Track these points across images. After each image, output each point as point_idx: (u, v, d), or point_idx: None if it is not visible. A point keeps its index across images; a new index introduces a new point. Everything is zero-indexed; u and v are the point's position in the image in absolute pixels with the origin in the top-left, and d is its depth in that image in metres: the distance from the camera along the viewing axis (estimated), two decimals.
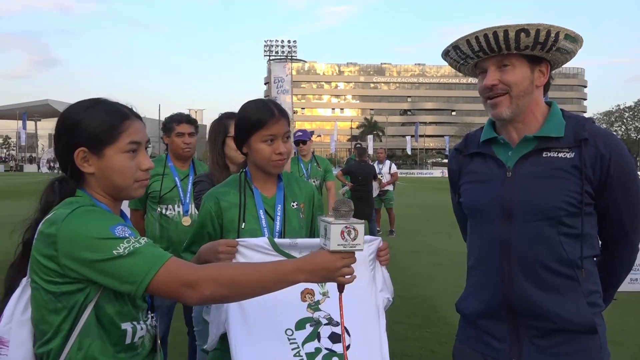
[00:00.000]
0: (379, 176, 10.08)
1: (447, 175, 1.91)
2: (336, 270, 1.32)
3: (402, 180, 37.77)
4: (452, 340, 1.85)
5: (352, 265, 1.65)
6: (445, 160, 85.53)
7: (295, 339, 1.62)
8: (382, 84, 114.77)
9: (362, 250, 1.33)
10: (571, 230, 1.51)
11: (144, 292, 1.23)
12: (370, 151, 55.11)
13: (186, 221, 3.24)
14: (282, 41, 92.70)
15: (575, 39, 1.51)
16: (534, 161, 1.55)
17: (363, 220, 1.33)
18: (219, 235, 1.82)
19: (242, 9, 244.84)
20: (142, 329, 1.36)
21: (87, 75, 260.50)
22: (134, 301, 1.34)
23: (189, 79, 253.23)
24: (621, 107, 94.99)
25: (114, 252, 1.21)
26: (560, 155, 1.53)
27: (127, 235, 1.25)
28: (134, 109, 1.42)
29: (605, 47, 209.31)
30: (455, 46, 1.59)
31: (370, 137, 66.32)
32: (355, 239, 1.30)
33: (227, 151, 2.55)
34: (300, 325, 1.65)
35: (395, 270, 7.34)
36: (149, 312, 1.43)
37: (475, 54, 1.56)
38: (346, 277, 1.35)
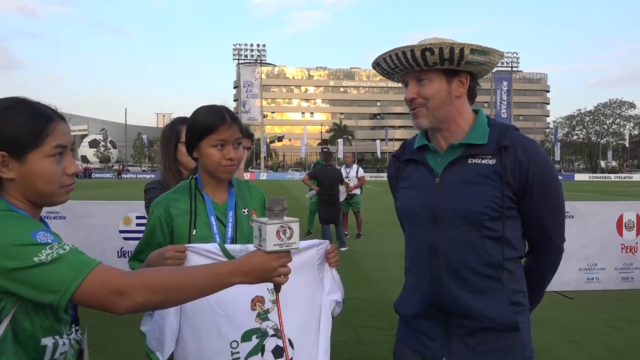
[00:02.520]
0: (346, 180, 10.11)
1: None
2: (272, 270, 1.30)
3: (372, 183, 38.01)
4: None
5: (299, 270, 1.66)
6: None
7: (238, 352, 1.59)
8: (352, 88, 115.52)
9: (298, 248, 1.32)
10: (493, 234, 1.57)
11: (68, 302, 1.13)
12: (341, 155, 55.27)
13: None
14: (252, 45, 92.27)
15: (484, 52, 1.56)
16: (460, 168, 1.62)
17: (297, 219, 1.32)
18: (168, 243, 1.78)
19: (212, 13, 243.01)
20: (64, 344, 1.27)
21: (52, 79, 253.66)
22: (56, 314, 1.25)
23: (157, 82, 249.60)
24: (582, 111, 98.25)
25: (35, 259, 1.12)
26: (483, 161, 1.60)
27: (49, 241, 1.16)
28: (58, 110, 1.33)
29: (568, 53, 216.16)
30: (377, 63, 1.68)
31: (340, 141, 66.68)
32: (290, 238, 1.29)
33: (180, 157, 2.52)
34: (246, 336, 1.62)
35: (362, 274, 7.37)
36: (73, 325, 1.36)
37: (393, 70, 1.65)
38: (283, 277, 1.33)
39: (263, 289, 1.65)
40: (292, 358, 1.62)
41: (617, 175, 72.19)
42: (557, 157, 78.60)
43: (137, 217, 5.76)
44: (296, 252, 1.70)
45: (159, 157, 2.66)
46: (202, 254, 1.62)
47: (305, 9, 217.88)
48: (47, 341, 1.23)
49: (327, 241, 1.80)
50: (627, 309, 5.67)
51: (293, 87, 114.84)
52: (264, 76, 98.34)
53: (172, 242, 1.78)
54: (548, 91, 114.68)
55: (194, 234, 1.76)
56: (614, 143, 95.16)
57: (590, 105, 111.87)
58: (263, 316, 1.65)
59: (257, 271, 1.28)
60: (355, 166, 10.89)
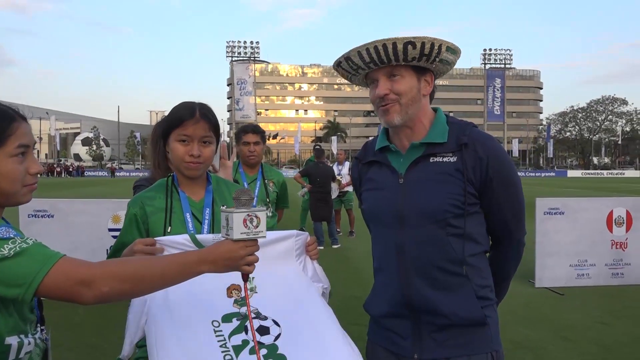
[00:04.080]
0: (339, 177, 10.10)
1: None
2: (240, 259, 1.31)
3: None
4: None
5: (277, 259, 1.67)
6: None
7: (221, 330, 1.56)
8: (346, 86, 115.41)
9: (265, 237, 1.32)
10: (458, 231, 1.60)
11: (33, 295, 1.13)
12: (334, 152, 55.27)
13: None
14: (245, 42, 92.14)
15: (454, 51, 1.60)
16: (422, 167, 1.64)
17: (264, 208, 1.33)
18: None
19: (205, 10, 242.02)
20: (29, 343, 1.26)
21: (44, 76, 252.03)
22: (20, 312, 1.26)
23: (150, 80, 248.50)
24: (575, 108, 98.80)
25: None
26: (445, 160, 1.62)
27: (11, 235, 1.16)
28: (20, 111, 1.33)
29: (561, 50, 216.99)
30: (347, 57, 1.65)
31: (334, 139, 66.64)
32: (257, 227, 1.30)
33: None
34: (226, 319, 1.59)
35: (354, 271, 7.37)
36: (39, 324, 1.35)
37: (366, 65, 1.62)
38: (250, 266, 1.34)
39: (238, 278, 1.62)
40: (280, 334, 1.59)
41: (610, 171, 72.69)
42: (550, 153, 79.02)
43: None
44: (273, 242, 1.69)
45: (149, 154, 2.68)
46: (172, 246, 1.59)
47: (299, 6, 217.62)
48: (12, 340, 1.22)
49: (306, 233, 1.79)
50: (617, 305, 5.69)
51: (287, 84, 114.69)
52: (257, 73, 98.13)
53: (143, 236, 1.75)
54: (541, 88, 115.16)
55: (169, 230, 1.75)
56: (607, 139, 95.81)
57: (582, 102, 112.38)
58: (241, 302, 1.62)
59: (224, 259, 1.29)
60: (347, 163, 10.88)
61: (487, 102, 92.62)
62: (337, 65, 1.71)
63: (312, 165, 9.38)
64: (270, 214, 3.80)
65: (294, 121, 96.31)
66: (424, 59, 1.58)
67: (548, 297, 5.93)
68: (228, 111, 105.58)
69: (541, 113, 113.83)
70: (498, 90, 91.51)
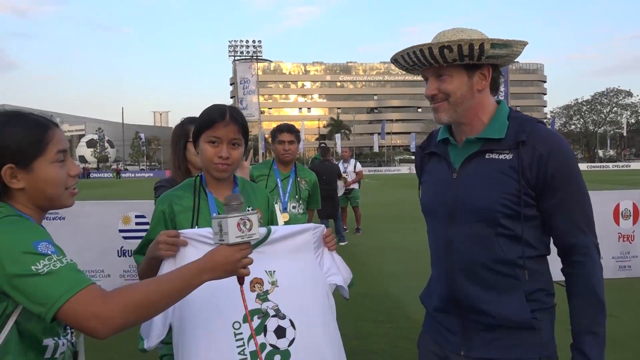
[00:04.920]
0: (344, 175, 10.14)
1: (414, 172, 1.99)
2: (237, 262, 1.35)
3: (369, 177, 38.01)
4: (415, 336, 1.92)
5: (296, 253, 1.73)
6: (413, 157, 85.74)
7: (242, 333, 1.61)
8: (349, 83, 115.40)
9: (258, 239, 1.38)
10: (508, 232, 1.54)
11: (53, 317, 1.15)
12: (338, 149, 55.37)
13: (284, 217, 3.68)
14: (247, 41, 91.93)
15: (505, 45, 1.52)
16: (476, 163, 1.60)
17: (256, 211, 1.40)
18: None
19: (206, 10, 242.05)
20: (63, 344, 1.33)
21: (47, 79, 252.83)
22: None
23: (153, 81, 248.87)
24: (579, 101, 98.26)
25: (33, 268, 1.16)
26: (500, 157, 1.56)
27: (49, 252, 1.19)
28: (52, 118, 1.41)
29: (564, 43, 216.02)
30: (394, 59, 1.66)
31: (338, 136, 66.66)
32: (250, 229, 1.35)
33: (188, 156, 2.59)
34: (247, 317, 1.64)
35: (361, 267, 7.42)
36: (67, 327, 1.39)
37: (413, 67, 1.63)
38: (245, 269, 1.39)
39: (261, 271, 1.68)
40: (294, 339, 1.65)
41: (615, 164, 72.31)
42: None
43: (137, 216, 5.78)
44: (292, 235, 1.75)
45: (170, 156, 2.76)
46: (195, 239, 1.63)
47: (300, 5, 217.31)
48: (48, 342, 1.28)
49: (323, 225, 1.83)
50: (624, 298, 5.71)
51: (290, 82, 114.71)
52: (260, 72, 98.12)
53: None
54: (545, 81, 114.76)
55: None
56: (612, 132, 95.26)
57: (587, 95, 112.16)
58: (263, 297, 1.67)
59: (223, 264, 1.34)
60: (352, 161, 10.92)
61: None
62: (394, 61, 1.70)
63: (318, 163, 9.41)
64: (302, 211, 3.93)
65: (297, 119, 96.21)
66: (466, 59, 1.52)
67: (555, 289, 5.94)
68: None
69: (545, 107, 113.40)
70: (501, 84, 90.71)
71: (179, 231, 1.65)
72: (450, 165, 1.66)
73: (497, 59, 1.56)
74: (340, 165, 10.37)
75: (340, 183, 9.54)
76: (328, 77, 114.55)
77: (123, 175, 63.89)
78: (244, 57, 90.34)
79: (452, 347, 1.66)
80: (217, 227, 1.35)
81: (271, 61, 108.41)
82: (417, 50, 1.54)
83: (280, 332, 1.65)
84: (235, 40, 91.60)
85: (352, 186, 10.48)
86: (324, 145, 10.04)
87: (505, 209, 1.52)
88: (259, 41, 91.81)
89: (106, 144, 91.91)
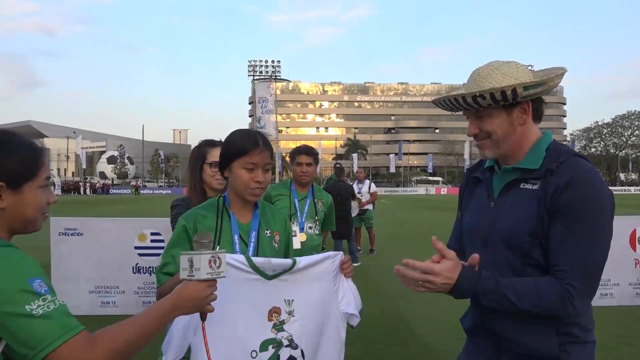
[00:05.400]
0: (359, 195, 10.16)
1: (431, 193, 2.02)
2: (205, 298, 1.38)
3: (386, 198, 37.84)
4: (426, 359, 1.98)
5: (315, 282, 1.81)
6: (430, 177, 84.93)
7: None
8: (366, 103, 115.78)
9: (225, 277, 1.42)
10: (536, 262, 1.53)
11: None
12: (355, 169, 55.25)
13: (302, 237, 3.77)
14: (266, 61, 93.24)
15: (539, 84, 1.53)
16: (512, 192, 1.61)
17: (224, 250, 1.44)
18: None
19: (227, 30, 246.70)
20: None
21: (71, 97, 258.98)
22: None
23: (174, 99, 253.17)
24: (599, 123, 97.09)
25: (27, 307, 1.12)
26: (532, 187, 1.56)
27: (43, 292, 1.16)
28: (41, 143, 1.43)
29: (584, 65, 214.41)
30: (436, 102, 1.72)
31: (355, 156, 66.67)
32: (220, 267, 1.39)
33: (205, 177, 2.70)
34: (263, 346, 1.71)
35: (374, 289, 7.39)
36: None
37: (452, 109, 1.67)
38: (210, 305, 1.42)
39: (280, 300, 1.75)
40: None
41: (638, 187, 70.91)
42: None
43: (152, 234, 5.88)
44: (312, 265, 1.82)
45: (186, 176, 2.88)
46: (230, 264, 1.68)
47: (321, 25, 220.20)
48: None
49: (341, 252, 1.90)
50: None
51: (308, 102, 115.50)
52: (278, 91, 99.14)
53: None
54: (564, 103, 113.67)
55: (217, 250, 1.85)
56: (634, 155, 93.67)
57: (607, 117, 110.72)
58: (279, 327, 1.73)
59: (193, 300, 1.36)
60: (367, 181, 10.94)
61: None
62: (437, 103, 1.73)
63: (333, 184, 9.47)
64: (318, 232, 3.99)
65: (314, 139, 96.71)
66: (501, 102, 1.54)
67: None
68: None
69: (565, 129, 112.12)
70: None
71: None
72: (490, 193, 1.70)
73: (533, 95, 1.57)
74: (355, 186, 10.40)
75: (354, 204, 9.56)
76: (346, 97, 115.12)
77: (142, 191, 64.62)
78: (263, 77, 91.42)
79: None
80: (188, 262, 1.38)
81: (290, 81, 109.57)
82: (452, 99, 1.60)
83: None
84: (254, 60, 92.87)
85: (366, 207, 10.48)
86: (339, 165, 10.11)
87: (530, 239, 1.52)
88: (278, 61, 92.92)
89: (126, 161, 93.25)
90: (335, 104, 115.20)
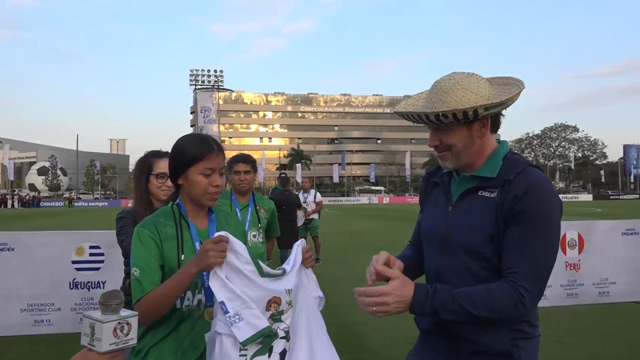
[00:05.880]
0: (304, 205, 10.19)
1: (374, 202, 2.07)
2: None
3: (330, 207, 38.17)
4: None
5: (300, 270, 1.80)
6: (372, 187, 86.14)
7: (246, 349, 1.60)
8: (309, 114, 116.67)
9: (135, 344, 1.24)
10: (492, 266, 1.60)
11: None
12: (299, 179, 55.49)
13: None
14: (209, 71, 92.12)
15: (500, 104, 1.59)
16: (469, 198, 1.68)
17: (136, 312, 1.26)
18: (158, 264, 1.79)
19: (168, 38, 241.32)
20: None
21: None
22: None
23: (111, 108, 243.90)
24: (530, 135, 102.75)
25: None
26: (490, 195, 1.62)
27: None
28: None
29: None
30: (399, 113, 1.74)
31: (298, 166, 66.92)
32: (128, 334, 1.20)
33: (151, 188, 2.68)
34: (256, 335, 1.62)
35: None
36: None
37: (414, 122, 1.72)
38: None
39: (281, 291, 1.69)
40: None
41: (564, 195, 75.35)
42: None
43: (91, 247, 5.63)
44: (296, 265, 1.79)
45: (133, 188, 2.83)
46: (235, 250, 1.65)
47: (264, 36, 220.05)
48: None
49: (303, 240, 1.91)
50: (573, 325, 5.94)
51: (251, 112, 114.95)
52: (221, 101, 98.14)
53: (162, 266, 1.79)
54: None
55: (182, 259, 1.81)
56: (561, 165, 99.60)
57: (537, 129, 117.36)
58: (276, 317, 1.67)
59: None
60: (312, 191, 11.01)
61: None
62: (399, 114, 1.77)
63: (278, 194, 9.44)
64: (262, 240, 3.97)
65: (258, 149, 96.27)
66: (462, 120, 1.60)
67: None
68: None
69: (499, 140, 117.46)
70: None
71: (220, 233, 1.67)
72: (449, 198, 1.75)
73: (493, 113, 1.63)
74: (301, 196, 10.43)
75: (300, 213, 9.57)
76: (289, 108, 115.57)
77: (76, 204, 61.74)
78: (205, 87, 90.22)
79: None
80: (88, 328, 1.18)
81: (232, 91, 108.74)
82: (416, 115, 1.64)
83: (283, 355, 1.66)
84: (196, 70, 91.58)
85: (312, 216, 10.53)
86: (284, 175, 10.10)
87: (487, 245, 1.59)
88: (221, 71, 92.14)
89: (59, 172, 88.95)
90: (279, 114, 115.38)
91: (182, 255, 1.80)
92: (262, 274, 1.68)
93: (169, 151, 2.84)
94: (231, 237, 1.66)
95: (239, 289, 1.60)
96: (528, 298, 1.51)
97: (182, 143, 1.90)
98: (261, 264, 1.70)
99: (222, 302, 1.57)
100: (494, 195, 1.61)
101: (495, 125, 1.69)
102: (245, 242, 1.89)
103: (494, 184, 1.62)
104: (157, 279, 1.75)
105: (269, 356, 1.63)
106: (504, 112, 1.67)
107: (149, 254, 1.76)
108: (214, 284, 1.59)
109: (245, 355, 1.59)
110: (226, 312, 1.56)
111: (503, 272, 1.56)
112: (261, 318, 1.59)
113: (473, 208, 1.65)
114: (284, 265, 1.79)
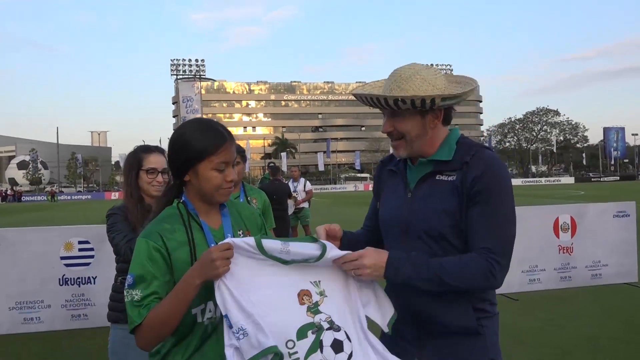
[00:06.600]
0: (294, 194, 10.11)
1: (359, 189, 2.02)
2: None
3: (318, 196, 38.20)
4: None
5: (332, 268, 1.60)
6: (358, 174, 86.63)
7: (297, 352, 1.45)
8: (293, 102, 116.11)
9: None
10: (455, 248, 1.67)
11: None
12: (284, 168, 55.32)
13: None
14: (190, 60, 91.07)
15: (455, 97, 1.64)
16: (428, 183, 1.73)
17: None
18: (172, 280, 1.55)
19: (147, 28, 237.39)
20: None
21: None
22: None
23: (91, 100, 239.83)
24: (512, 119, 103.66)
25: None
26: (448, 178, 1.69)
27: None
28: None
29: (498, 65, 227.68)
30: (355, 95, 1.76)
31: (283, 155, 66.72)
32: None
33: (141, 184, 2.57)
34: (301, 333, 1.47)
35: None
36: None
37: (371, 105, 1.73)
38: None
39: (306, 283, 1.55)
40: (352, 352, 1.52)
41: (547, 178, 76.50)
42: None
43: (80, 242, 5.49)
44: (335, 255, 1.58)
45: (123, 184, 2.67)
46: (242, 246, 1.50)
47: (244, 25, 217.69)
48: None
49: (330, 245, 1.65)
50: (567, 307, 5.99)
51: (234, 101, 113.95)
52: (203, 91, 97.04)
53: (173, 278, 1.57)
54: (481, 101, 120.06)
55: None
56: (543, 149, 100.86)
57: (519, 114, 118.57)
58: (314, 309, 1.52)
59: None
60: (302, 180, 10.92)
61: None
62: (356, 96, 1.77)
63: (268, 183, 9.33)
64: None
65: (242, 138, 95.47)
66: (419, 108, 1.64)
67: (503, 303, 6.14)
68: (174, 130, 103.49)
69: (482, 125, 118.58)
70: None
71: (228, 240, 1.50)
72: (406, 184, 1.79)
73: (448, 105, 1.70)
74: (290, 185, 10.33)
75: (290, 202, 9.49)
76: (272, 97, 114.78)
77: (59, 197, 60.81)
78: (186, 76, 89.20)
79: (407, 355, 1.71)
80: None
81: (214, 80, 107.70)
82: (374, 98, 1.67)
83: (337, 347, 1.50)
84: (177, 59, 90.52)
85: (302, 205, 10.45)
86: (273, 164, 9.99)
87: (450, 227, 1.65)
88: (202, 60, 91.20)
89: (39, 165, 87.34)
90: (262, 103, 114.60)
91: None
92: (286, 262, 1.54)
93: (158, 145, 2.72)
94: (237, 240, 1.51)
95: (252, 297, 1.46)
96: (499, 270, 1.59)
97: (188, 134, 1.64)
98: (283, 247, 1.53)
99: (226, 316, 1.45)
100: (453, 178, 1.67)
101: (447, 118, 1.75)
102: (260, 234, 1.73)
103: (451, 167, 1.69)
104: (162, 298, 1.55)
105: (322, 351, 1.48)
106: (456, 107, 1.74)
107: (153, 270, 1.53)
108: (218, 295, 1.46)
109: (298, 355, 1.45)
110: (230, 326, 1.44)
111: (473, 249, 1.62)
112: (267, 336, 1.42)
113: (433, 192, 1.70)
114: (330, 248, 1.58)
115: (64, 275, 5.45)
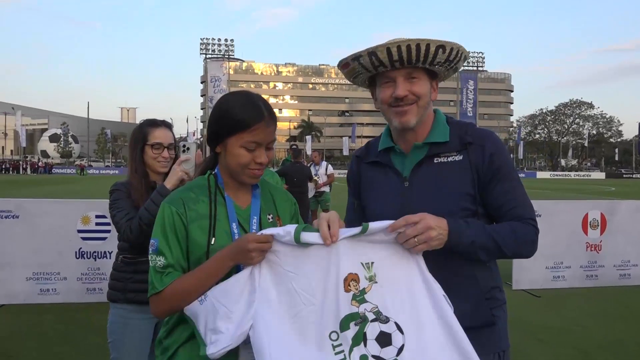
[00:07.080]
0: (316, 177, 10.01)
1: None
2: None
3: (340, 180, 38.07)
4: None
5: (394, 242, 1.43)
6: None
7: (341, 344, 1.35)
8: (320, 85, 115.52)
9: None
10: None
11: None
12: (309, 151, 55.31)
13: None
14: (219, 40, 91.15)
15: (466, 59, 1.67)
16: (427, 168, 1.64)
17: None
18: (185, 251, 1.51)
19: (178, 6, 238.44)
20: None
21: (9, 70, 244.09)
22: None
23: (121, 76, 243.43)
24: (544, 111, 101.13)
25: None
26: (449, 159, 1.63)
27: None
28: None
29: (530, 55, 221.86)
30: (371, 52, 1.56)
31: (308, 138, 66.56)
32: None
33: (147, 159, 2.47)
34: (345, 324, 1.36)
35: None
36: None
37: (392, 62, 1.57)
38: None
39: (356, 264, 1.41)
40: (403, 345, 1.38)
41: (577, 173, 74.61)
42: (520, 155, 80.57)
43: (97, 216, 5.49)
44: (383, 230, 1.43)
45: (128, 159, 2.56)
46: (278, 239, 1.41)
47: (275, 6, 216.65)
48: None
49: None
50: (592, 307, 5.76)
51: (261, 82, 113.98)
52: (231, 71, 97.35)
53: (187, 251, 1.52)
54: (512, 91, 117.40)
55: (212, 243, 1.50)
56: (574, 142, 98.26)
57: (551, 105, 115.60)
58: (359, 298, 1.39)
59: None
60: (324, 163, 10.80)
61: (460, 103, 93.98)
62: (353, 59, 1.63)
63: (289, 165, 9.26)
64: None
65: None
66: (446, 65, 1.61)
67: (525, 299, 5.96)
68: (202, 109, 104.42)
69: (512, 115, 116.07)
70: (471, 92, 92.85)
71: (264, 232, 1.42)
72: (398, 173, 1.68)
73: (452, 72, 1.69)
74: (312, 169, 10.24)
75: (310, 185, 9.42)
76: (300, 79, 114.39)
77: (88, 171, 62.13)
78: (215, 56, 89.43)
79: None
80: None
81: (243, 61, 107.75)
82: (413, 44, 1.52)
83: (384, 340, 1.37)
84: (207, 39, 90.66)
85: (322, 189, 10.35)
86: (295, 147, 9.89)
87: (464, 210, 1.58)
88: (232, 40, 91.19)
89: (70, 139, 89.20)
90: (290, 85, 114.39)
91: (213, 239, 1.50)
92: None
93: (166, 120, 2.64)
94: (273, 230, 1.42)
95: (296, 285, 1.39)
96: (537, 235, 1.62)
97: (227, 104, 1.54)
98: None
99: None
100: (461, 158, 1.62)
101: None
102: (296, 222, 1.65)
103: (451, 148, 1.63)
104: (182, 269, 1.50)
105: (365, 345, 1.36)
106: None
107: (175, 238, 1.49)
108: (244, 276, 1.43)
109: (342, 348, 1.35)
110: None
111: (513, 219, 1.60)
112: (233, 337, 1.36)
113: (436, 177, 1.62)
114: (373, 223, 1.44)
115: (80, 248, 5.47)
